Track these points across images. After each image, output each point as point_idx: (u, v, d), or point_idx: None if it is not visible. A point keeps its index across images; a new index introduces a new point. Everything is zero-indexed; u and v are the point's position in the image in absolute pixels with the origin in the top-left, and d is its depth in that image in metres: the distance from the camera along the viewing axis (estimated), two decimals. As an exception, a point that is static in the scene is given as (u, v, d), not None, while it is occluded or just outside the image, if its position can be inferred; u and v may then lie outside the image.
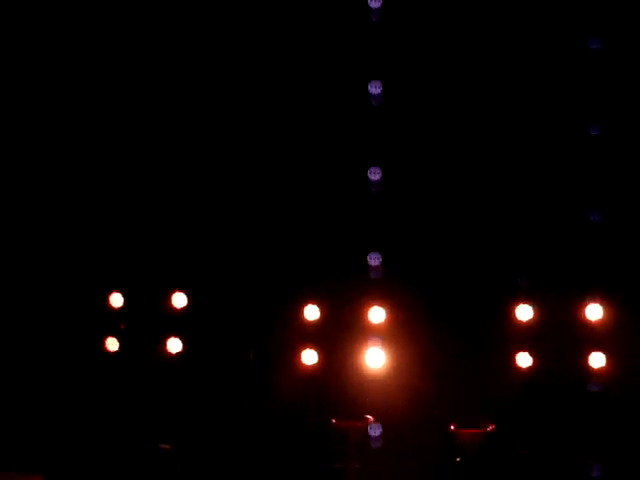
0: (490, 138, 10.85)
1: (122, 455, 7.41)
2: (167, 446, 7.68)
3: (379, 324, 10.95)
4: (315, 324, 11.16)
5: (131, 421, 9.96)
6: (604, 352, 10.40)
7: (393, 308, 10.89)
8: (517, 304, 10.60)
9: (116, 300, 11.27)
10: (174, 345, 11.26)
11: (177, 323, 11.28)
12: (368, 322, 10.95)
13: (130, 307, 11.29)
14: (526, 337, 10.54)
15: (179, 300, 11.29)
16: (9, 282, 11.02)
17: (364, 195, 10.87)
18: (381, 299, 10.94)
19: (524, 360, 10.51)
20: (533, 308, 10.56)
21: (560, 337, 10.58)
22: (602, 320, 10.48)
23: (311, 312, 11.15)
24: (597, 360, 10.41)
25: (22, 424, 10.43)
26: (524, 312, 10.62)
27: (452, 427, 10.02)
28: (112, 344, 11.20)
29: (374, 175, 10.76)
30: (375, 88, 10.66)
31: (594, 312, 10.49)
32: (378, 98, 10.67)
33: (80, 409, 10.64)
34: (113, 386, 10.89)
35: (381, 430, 10.37)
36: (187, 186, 11.24)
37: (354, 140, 10.88)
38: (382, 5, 10.61)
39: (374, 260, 10.70)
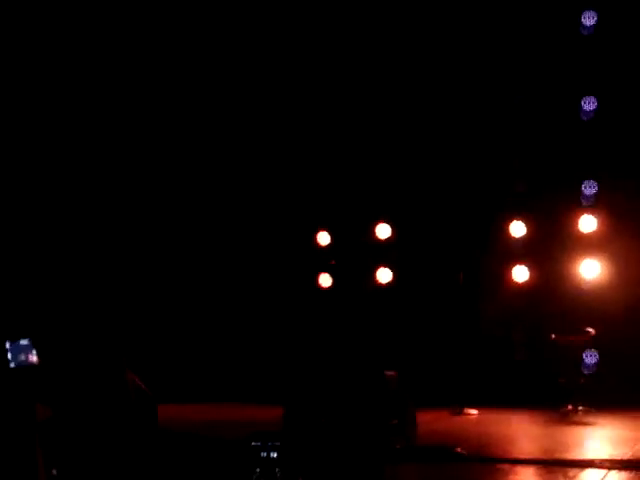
0: None
1: (349, 382, 7.66)
2: (393, 372, 7.88)
3: (590, 233, 10.58)
4: (523, 240, 10.95)
5: (353, 350, 10.24)
6: None
7: (605, 215, 10.49)
8: None
9: (323, 238, 11.57)
10: (384, 275, 11.43)
11: (384, 253, 11.44)
12: (579, 232, 10.60)
13: (337, 243, 11.56)
14: None
15: (383, 231, 11.42)
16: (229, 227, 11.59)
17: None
18: (591, 207, 10.55)
19: None
20: None
21: None
22: None
23: (517, 228, 10.94)
24: None
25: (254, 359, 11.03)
26: None
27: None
28: (325, 280, 11.56)
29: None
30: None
31: None
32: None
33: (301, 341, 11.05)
34: (331, 319, 11.25)
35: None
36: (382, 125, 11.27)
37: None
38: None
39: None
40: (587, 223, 10.55)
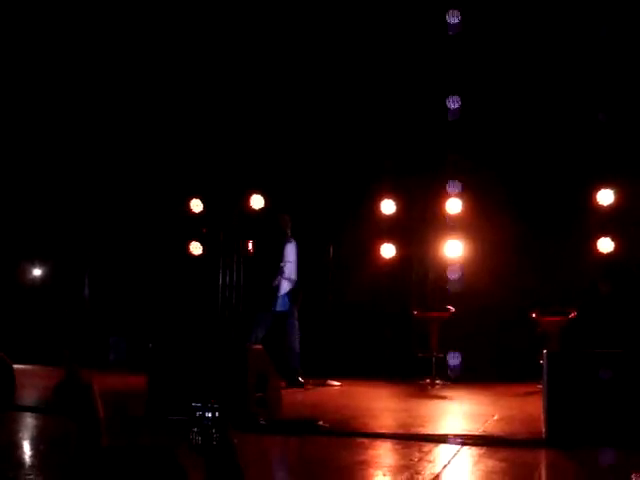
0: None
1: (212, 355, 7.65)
2: (259, 346, 7.94)
3: (456, 215, 10.97)
4: (392, 217, 11.24)
5: (218, 322, 10.24)
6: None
7: (470, 199, 10.89)
8: (598, 189, 10.43)
9: (196, 205, 11.50)
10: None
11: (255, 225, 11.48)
12: (445, 213, 10.97)
13: (210, 211, 11.52)
14: (608, 222, 10.41)
15: (257, 202, 11.45)
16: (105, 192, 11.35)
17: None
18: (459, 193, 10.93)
19: (605, 245, 10.42)
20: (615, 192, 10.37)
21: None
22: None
23: (387, 206, 11.22)
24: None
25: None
26: (605, 197, 10.44)
27: (534, 314, 9.96)
28: (196, 248, 11.51)
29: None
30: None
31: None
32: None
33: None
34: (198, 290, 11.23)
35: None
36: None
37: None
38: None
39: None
40: (453, 205, 10.94)
